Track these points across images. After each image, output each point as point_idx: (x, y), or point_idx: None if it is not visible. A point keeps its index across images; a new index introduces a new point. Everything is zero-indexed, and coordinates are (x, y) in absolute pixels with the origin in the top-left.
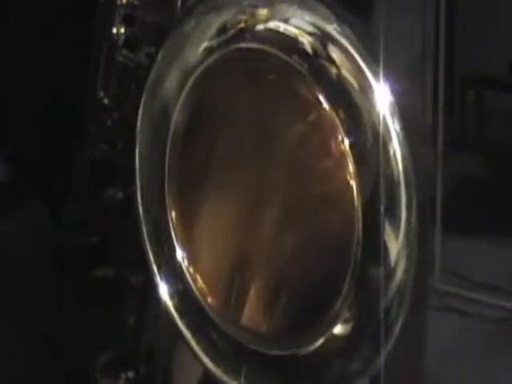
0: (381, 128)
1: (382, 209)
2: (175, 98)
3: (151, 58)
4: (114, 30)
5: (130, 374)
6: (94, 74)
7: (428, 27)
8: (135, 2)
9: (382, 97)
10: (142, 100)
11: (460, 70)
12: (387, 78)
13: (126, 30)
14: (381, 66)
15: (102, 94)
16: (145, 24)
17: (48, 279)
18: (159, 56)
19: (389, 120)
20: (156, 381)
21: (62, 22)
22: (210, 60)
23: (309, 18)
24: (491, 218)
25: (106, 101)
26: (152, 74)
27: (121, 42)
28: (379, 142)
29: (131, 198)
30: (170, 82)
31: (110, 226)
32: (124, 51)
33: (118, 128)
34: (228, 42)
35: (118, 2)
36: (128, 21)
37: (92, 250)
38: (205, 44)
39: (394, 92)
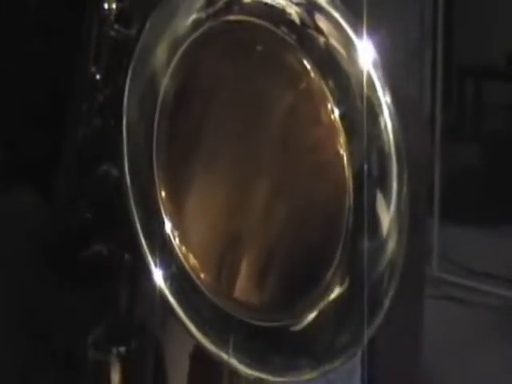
0: (364, 84)
1: (365, 174)
2: (164, 69)
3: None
4: (106, 5)
5: (122, 349)
6: (86, 50)
7: (426, 17)
8: None
9: (366, 54)
10: (131, 69)
11: (458, 61)
12: (371, 34)
13: (117, 5)
14: (364, 22)
15: (93, 69)
16: None
17: (39, 256)
18: (147, 25)
19: (380, 93)
20: (147, 355)
21: None
22: (199, 32)
23: None
24: (489, 206)
25: (97, 76)
26: (140, 44)
27: (112, 17)
28: (367, 105)
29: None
30: (159, 52)
31: (103, 203)
32: (116, 26)
33: (109, 103)
34: (216, 14)
35: None
36: None
37: (84, 227)
38: (193, 16)
39: (378, 48)
